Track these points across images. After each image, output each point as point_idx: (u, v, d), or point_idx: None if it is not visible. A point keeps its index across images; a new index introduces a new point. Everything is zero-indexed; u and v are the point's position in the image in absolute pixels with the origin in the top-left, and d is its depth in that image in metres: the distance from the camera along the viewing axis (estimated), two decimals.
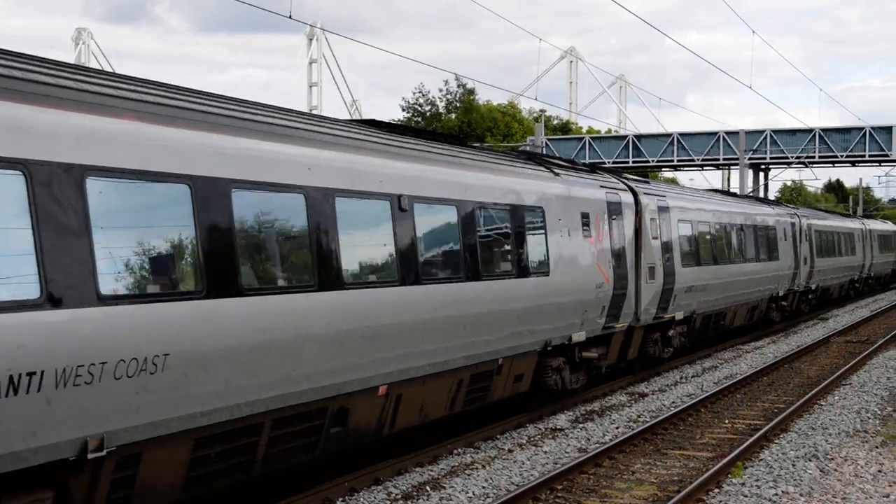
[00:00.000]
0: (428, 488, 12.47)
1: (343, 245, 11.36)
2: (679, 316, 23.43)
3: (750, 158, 58.29)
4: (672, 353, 23.73)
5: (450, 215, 13.84)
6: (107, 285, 8.35)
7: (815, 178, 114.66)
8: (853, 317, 39.93)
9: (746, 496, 12.32)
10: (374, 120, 14.58)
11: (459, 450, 14.73)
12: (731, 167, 64.86)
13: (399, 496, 12.10)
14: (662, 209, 22.46)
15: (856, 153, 59.91)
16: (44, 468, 7.94)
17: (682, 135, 63.29)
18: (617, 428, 16.64)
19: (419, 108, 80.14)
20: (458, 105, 79.44)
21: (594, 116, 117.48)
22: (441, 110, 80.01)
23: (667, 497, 12.23)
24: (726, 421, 17.60)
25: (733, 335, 30.49)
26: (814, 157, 60.84)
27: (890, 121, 62.03)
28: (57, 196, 8.00)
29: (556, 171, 18.07)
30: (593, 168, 21.63)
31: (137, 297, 8.69)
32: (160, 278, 9.07)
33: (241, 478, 10.39)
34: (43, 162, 7.93)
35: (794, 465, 13.74)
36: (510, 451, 14.80)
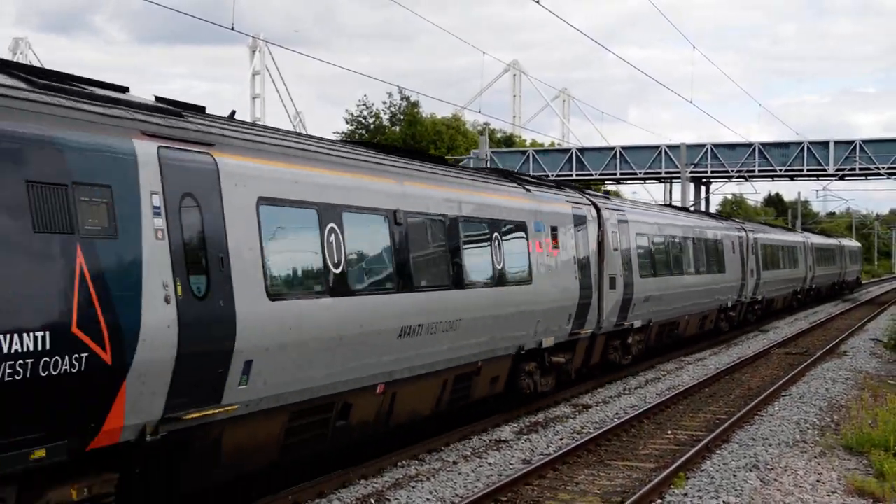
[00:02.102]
0: (372, 501, 12.44)
1: (690, 254, 29.66)
2: (759, 297, 40.73)
3: (691, 172, 58.87)
4: (756, 318, 41.36)
5: (705, 244, 31.51)
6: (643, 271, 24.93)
7: (756, 192, 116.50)
8: (793, 329, 40.48)
9: None
10: (680, 206, 40.91)
11: (404, 462, 14.69)
12: (673, 181, 65.36)
13: None
14: (752, 235, 39.20)
15: (794, 167, 60.50)
16: (573, 340, 20.70)
17: (624, 148, 63.62)
18: (561, 439, 16.71)
19: (363, 121, 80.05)
20: (401, 118, 79.47)
21: (538, 130, 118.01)
22: (385, 123, 79.99)
23: None
24: (669, 432, 17.75)
25: (777, 314, 46.68)
26: (754, 171, 61.43)
27: (827, 136, 63.01)
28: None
29: (722, 220, 37.18)
30: (729, 216, 45.81)
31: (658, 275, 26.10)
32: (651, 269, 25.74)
33: (653, 347, 27.26)
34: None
35: (735, 476, 13.88)
36: (455, 462, 14.79)
